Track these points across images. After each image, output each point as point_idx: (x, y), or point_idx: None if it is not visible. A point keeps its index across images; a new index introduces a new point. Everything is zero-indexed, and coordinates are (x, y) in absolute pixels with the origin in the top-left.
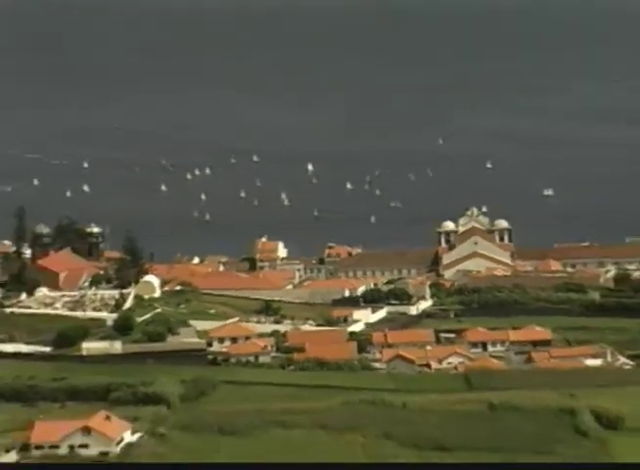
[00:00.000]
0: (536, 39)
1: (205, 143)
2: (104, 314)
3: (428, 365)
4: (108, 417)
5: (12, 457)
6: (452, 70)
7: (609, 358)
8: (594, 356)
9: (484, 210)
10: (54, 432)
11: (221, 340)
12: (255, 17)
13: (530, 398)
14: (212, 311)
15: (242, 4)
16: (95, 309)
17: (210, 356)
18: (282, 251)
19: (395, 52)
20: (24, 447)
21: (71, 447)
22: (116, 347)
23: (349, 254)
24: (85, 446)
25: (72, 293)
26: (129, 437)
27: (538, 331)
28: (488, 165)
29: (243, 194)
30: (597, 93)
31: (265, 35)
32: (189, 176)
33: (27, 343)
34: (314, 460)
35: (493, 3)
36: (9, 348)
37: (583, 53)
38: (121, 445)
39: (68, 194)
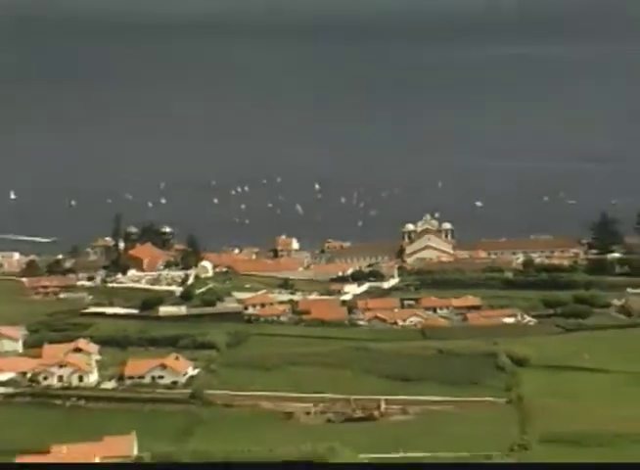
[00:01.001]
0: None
1: (244, 169)
2: (173, 288)
3: (395, 323)
4: (177, 358)
5: (112, 384)
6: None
7: (519, 318)
8: (509, 316)
9: (436, 215)
10: (141, 367)
11: (254, 305)
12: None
13: (466, 345)
14: (248, 286)
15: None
16: (167, 285)
17: (246, 317)
18: (295, 244)
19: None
20: (120, 378)
21: (153, 378)
22: (182, 310)
23: (342, 246)
24: (162, 377)
25: (152, 273)
26: (191, 371)
27: (472, 299)
28: (439, 185)
29: (270, 205)
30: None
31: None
32: (233, 192)
33: (122, 307)
34: (317, 386)
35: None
36: (110, 310)
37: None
38: (186, 376)
39: (150, 205)
